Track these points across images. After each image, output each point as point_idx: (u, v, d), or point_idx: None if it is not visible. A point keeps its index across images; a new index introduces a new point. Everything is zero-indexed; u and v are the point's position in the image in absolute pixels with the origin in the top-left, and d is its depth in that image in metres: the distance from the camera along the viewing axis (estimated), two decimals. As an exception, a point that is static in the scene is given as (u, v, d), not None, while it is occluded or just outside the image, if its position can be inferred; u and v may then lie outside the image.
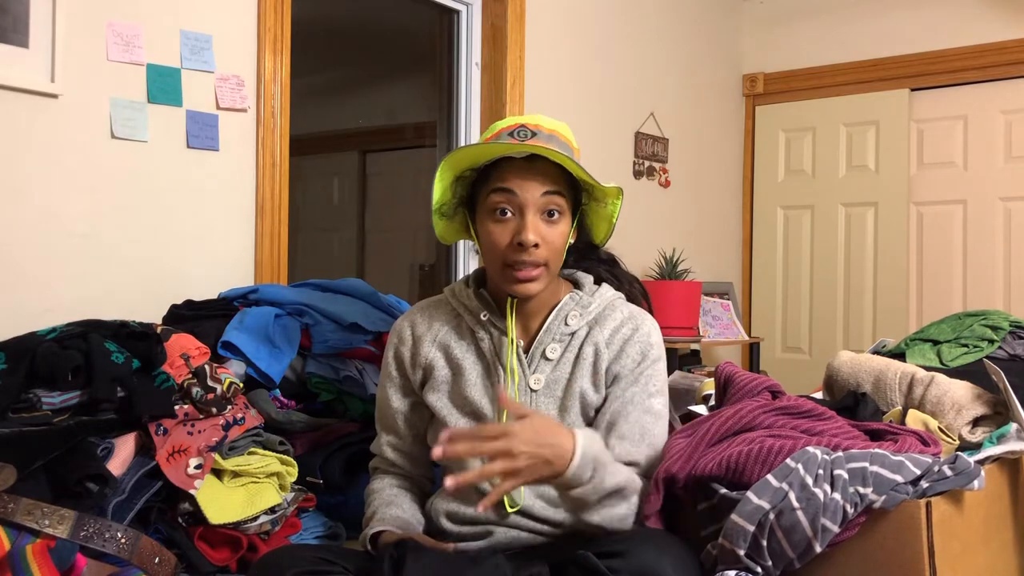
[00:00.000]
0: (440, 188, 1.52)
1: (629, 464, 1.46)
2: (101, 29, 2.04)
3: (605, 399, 1.53)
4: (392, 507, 1.57)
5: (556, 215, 1.48)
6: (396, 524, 1.52)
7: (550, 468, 1.27)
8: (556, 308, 1.55)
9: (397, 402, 1.63)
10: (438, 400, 1.57)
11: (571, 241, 1.56)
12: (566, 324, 1.54)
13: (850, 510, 1.33)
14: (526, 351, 1.55)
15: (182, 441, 1.59)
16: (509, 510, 1.48)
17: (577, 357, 1.53)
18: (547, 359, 1.53)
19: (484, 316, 1.55)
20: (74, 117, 2.00)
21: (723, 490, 1.40)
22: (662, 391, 1.55)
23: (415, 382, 1.61)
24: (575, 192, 1.53)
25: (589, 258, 1.69)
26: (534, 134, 1.48)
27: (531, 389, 1.52)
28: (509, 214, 1.46)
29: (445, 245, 3.21)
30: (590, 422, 1.53)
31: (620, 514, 1.40)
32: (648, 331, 1.56)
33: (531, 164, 1.46)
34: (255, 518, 1.62)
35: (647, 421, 1.50)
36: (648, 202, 3.86)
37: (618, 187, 1.54)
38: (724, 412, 1.53)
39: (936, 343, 2.10)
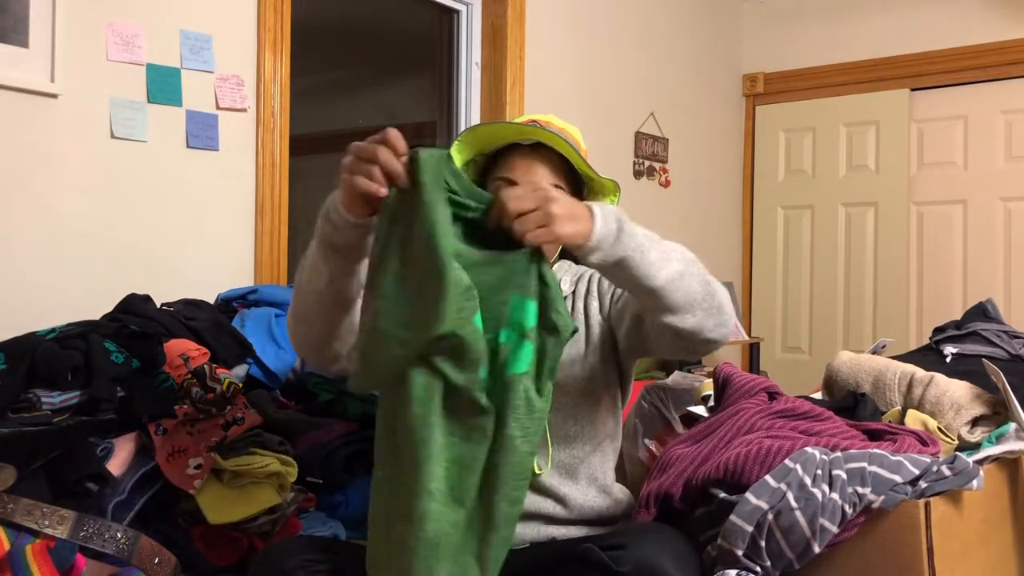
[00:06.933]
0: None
1: None
2: (101, 29, 2.04)
3: (622, 315, 1.52)
4: None
5: None
6: None
7: (578, 224, 1.21)
8: None
9: None
10: None
11: None
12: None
13: (849, 510, 1.33)
14: None
15: (182, 441, 1.59)
16: (537, 471, 1.46)
17: (583, 310, 1.56)
18: None
19: None
20: (74, 117, 2.00)
21: (722, 494, 1.40)
22: None
23: None
24: (577, 187, 1.56)
25: None
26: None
27: None
28: None
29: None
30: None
31: (693, 275, 1.30)
32: None
33: (537, 154, 1.50)
34: (255, 518, 1.62)
35: None
36: (648, 202, 3.86)
37: (614, 181, 1.56)
38: (720, 430, 1.53)
39: None
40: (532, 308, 1.16)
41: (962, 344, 2.11)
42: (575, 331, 1.22)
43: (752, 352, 3.99)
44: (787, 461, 1.37)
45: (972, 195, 3.99)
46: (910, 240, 4.12)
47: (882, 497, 1.34)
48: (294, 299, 1.37)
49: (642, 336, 1.44)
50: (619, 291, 1.54)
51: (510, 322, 1.16)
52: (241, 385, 1.78)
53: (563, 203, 1.20)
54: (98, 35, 2.03)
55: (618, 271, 1.27)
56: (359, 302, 1.33)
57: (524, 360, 1.15)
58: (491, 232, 1.19)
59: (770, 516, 1.32)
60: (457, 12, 3.22)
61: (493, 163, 1.55)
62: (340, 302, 1.31)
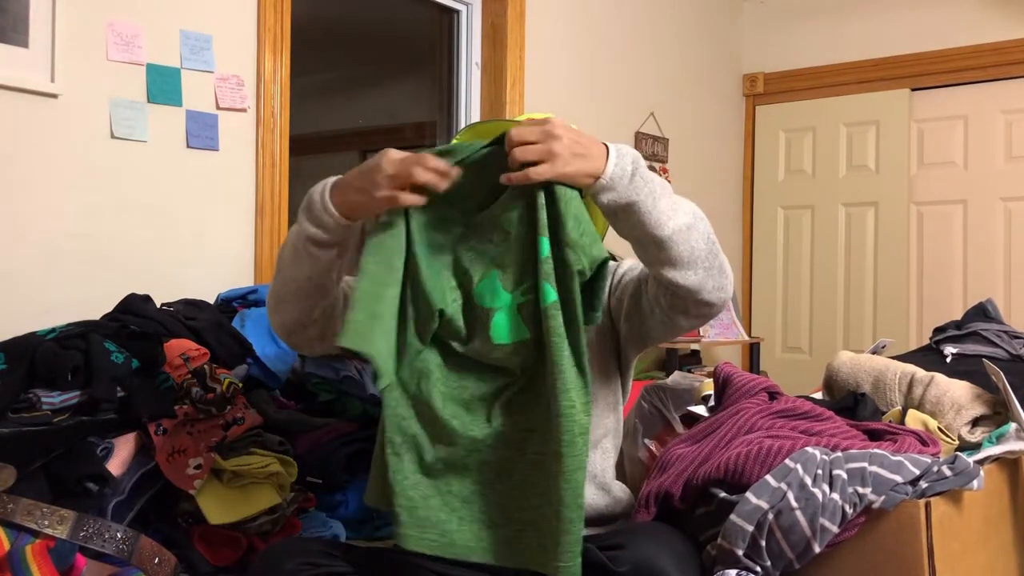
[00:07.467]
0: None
1: None
2: (101, 29, 2.04)
3: (621, 302, 1.50)
4: None
5: None
6: None
7: (587, 162, 1.23)
8: None
9: None
10: None
11: None
12: None
13: (849, 510, 1.33)
14: None
15: (182, 441, 1.59)
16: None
17: None
18: None
19: None
20: (74, 117, 2.00)
21: (722, 494, 1.40)
22: None
23: None
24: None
25: None
26: None
27: None
28: None
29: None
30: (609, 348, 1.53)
31: (700, 231, 1.28)
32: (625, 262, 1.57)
33: None
34: (255, 518, 1.62)
35: None
36: (648, 202, 3.86)
37: None
38: (721, 430, 1.53)
39: None
40: (545, 244, 1.22)
41: (962, 344, 2.11)
42: (605, 262, 1.25)
43: (752, 352, 3.99)
44: (787, 461, 1.37)
45: (972, 195, 3.99)
46: (910, 240, 4.12)
47: (882, 497, 1.33)
48: (273, 282, 1.39)
49: (640, 313, 1.42)
50: (616, 282, 1.53)
51: (531, 260, 1.25)
52: (241, 385, 1.78)
53: (567, 141, 1.21)
54: (98, 35, 2.03)
55: (626, 216, 1.26)
56: (335, 290, 1.37)
57: (549, 293, 1.22)
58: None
59: (770, 516, 1.32)
60: (457, 12, 3.23)
61: None
62: (320, 291, 1.35)
